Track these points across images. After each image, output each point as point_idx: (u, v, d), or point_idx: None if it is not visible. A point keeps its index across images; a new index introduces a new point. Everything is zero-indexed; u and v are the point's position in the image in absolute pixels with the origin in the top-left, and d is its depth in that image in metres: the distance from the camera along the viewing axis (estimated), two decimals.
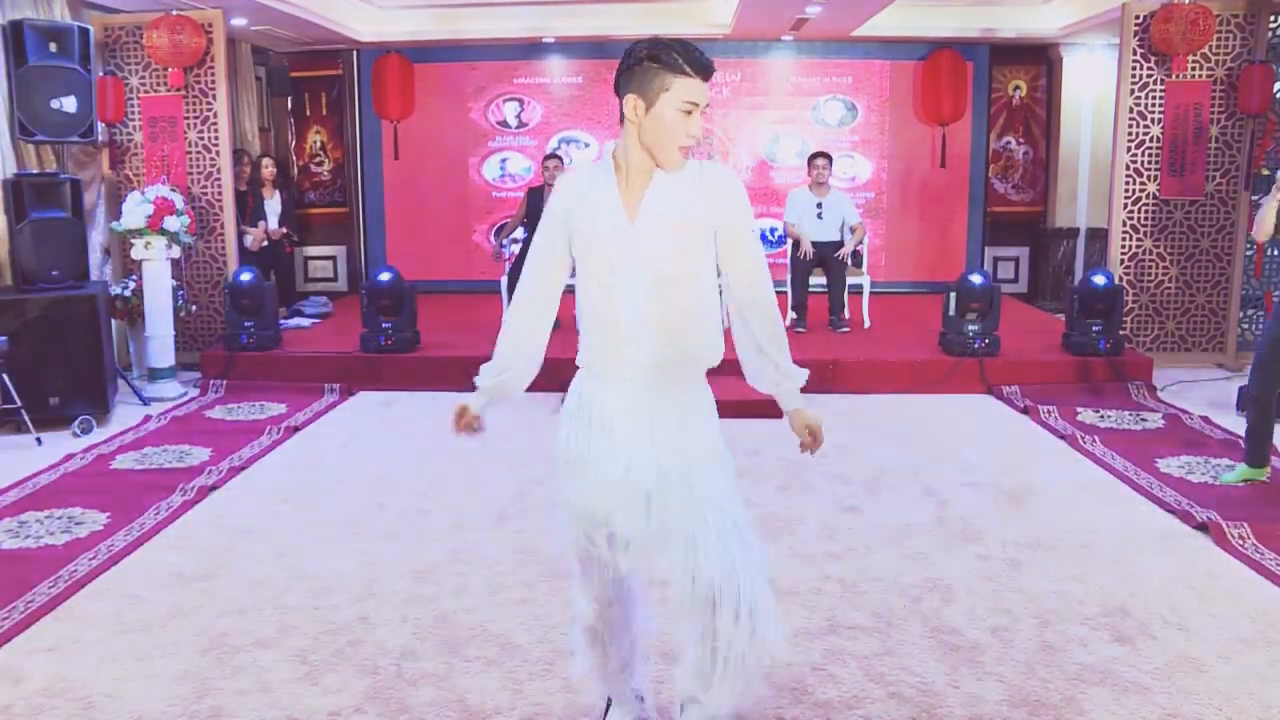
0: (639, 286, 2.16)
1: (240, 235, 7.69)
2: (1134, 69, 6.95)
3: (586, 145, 9.57)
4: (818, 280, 7.61)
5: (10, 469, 4.90)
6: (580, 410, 2.26)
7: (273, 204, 8.32)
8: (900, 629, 3.22)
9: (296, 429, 5.70)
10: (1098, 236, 9.10)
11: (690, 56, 2.09)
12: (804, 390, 2.31)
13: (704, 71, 2.10)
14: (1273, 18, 6.94)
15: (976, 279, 6.72)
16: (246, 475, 4.89)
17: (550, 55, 9.53)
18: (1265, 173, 7.01)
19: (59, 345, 5.59)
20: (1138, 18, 6.90)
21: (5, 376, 5.29)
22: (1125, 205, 7.08)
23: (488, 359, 2.38)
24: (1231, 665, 2.97)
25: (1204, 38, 6.75)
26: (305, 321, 8.10)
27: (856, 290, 7.77)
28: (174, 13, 6.87)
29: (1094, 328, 6.58)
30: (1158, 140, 7.00)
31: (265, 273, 7.27)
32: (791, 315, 7.57)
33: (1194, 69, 6.92)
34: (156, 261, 6.41)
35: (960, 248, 9.54)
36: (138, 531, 4.06)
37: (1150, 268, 7.14)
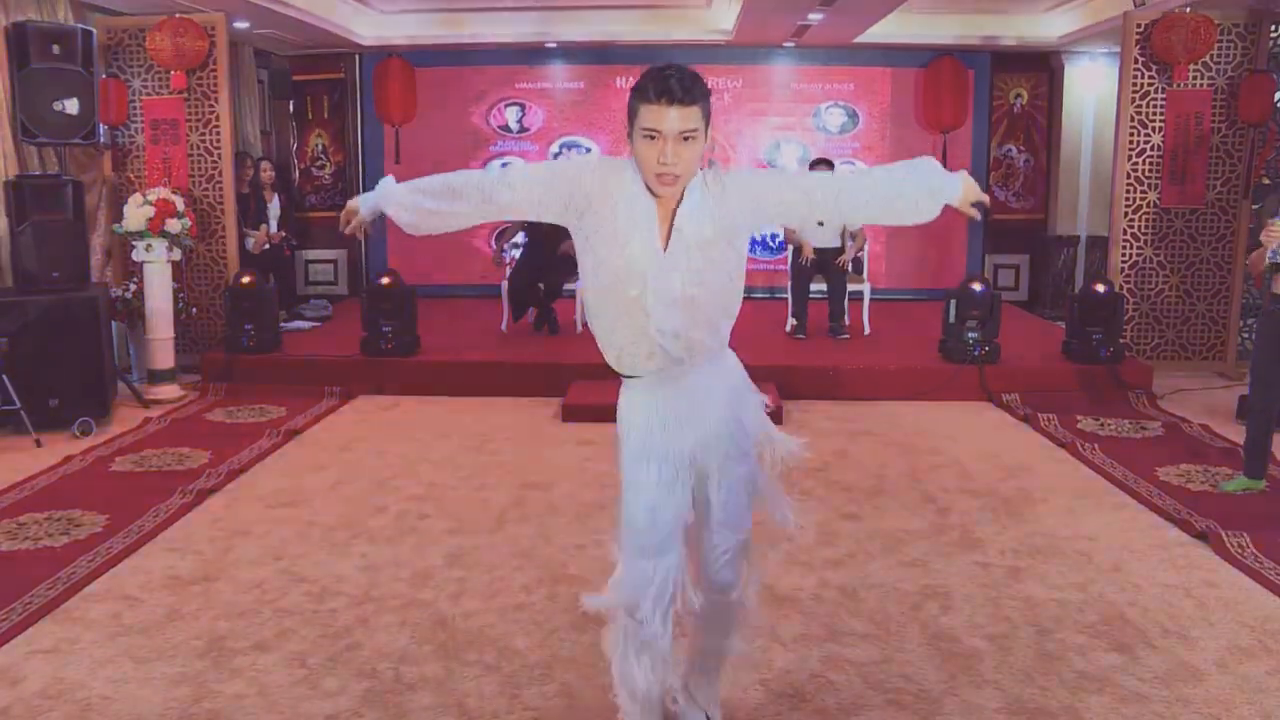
0: (669, 300, 2.17)
1: (242, 238, 7.70)
2: (1135, 77, 6.96)
3: (588, 150, 9.58)
4: (818, 287, 7.61)
5: (10, 470, 4.90)
6: (631, 416, 2.30)
7: (272, 207, 8.34)
8: (899, 636, 3.21)
9: (296, 432, 5.70)
10: (1098, 244, 9.12)
11: (655, 80, 2.01)
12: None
13: (665, 96, 1.99)
14: (1273, 27, 6.96)
15: (977, 286, 6.72)
16: (246, 478, 4.89)
17: (552, 60, 9.56)
18: (1266, 181, 7.02)
19: (59, 347, 5.59)
20: (1139, 26, 6.91)
21: (5, 378, 5.30)
22: (1126, 213, 7.08)
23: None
24: (1230, 674, 2.96)
25: (1205, 47, 6.76)
26: (305, 325, 8.12)
27: (857, 297, 7.77)
28: (177, 16, 6.88)
29: (1094, 336, 6.58)
30: (1158, 149, 7.00)
31: (266, 276, 7.28)
32: (792, 321, 7.58)
33: (1195, 78, 6.93)
34: (157, 264, 6.42)
35: (960, 255, 9.56)
36: (136, 534, 4.06)
37: (1151, 276, 7.15)
